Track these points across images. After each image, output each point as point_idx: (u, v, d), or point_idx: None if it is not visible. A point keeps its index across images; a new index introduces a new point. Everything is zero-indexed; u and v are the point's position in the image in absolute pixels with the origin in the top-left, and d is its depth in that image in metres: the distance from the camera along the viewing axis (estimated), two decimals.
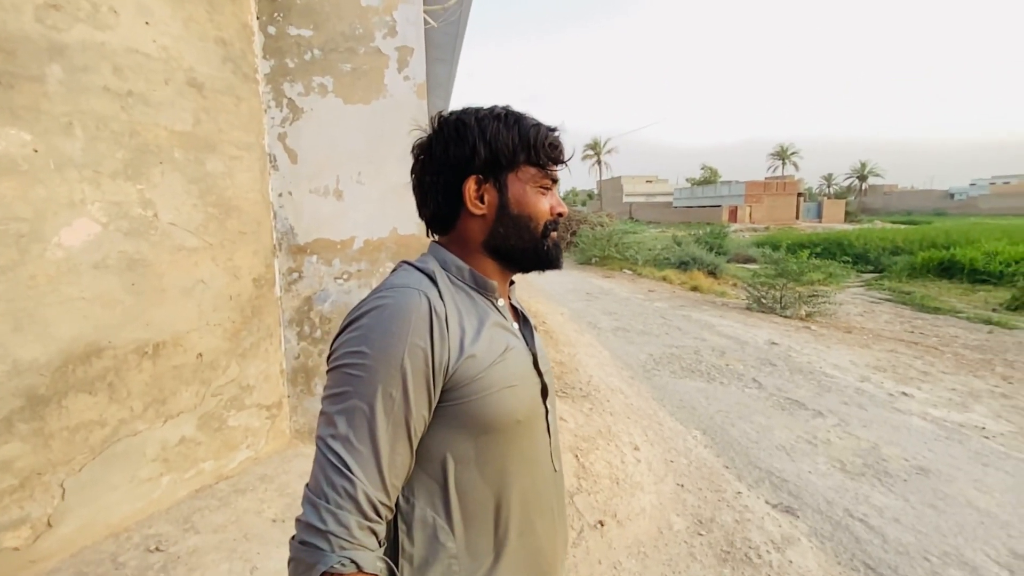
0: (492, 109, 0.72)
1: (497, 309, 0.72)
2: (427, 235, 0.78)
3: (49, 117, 1.73)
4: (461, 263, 0.71)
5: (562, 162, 0.74)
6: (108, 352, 1.92)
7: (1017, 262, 10.70)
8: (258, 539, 1.98)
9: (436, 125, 0.72)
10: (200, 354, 2.25)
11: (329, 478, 0.56)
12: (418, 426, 0.61)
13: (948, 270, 11.56)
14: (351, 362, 0.59)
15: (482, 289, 0.72)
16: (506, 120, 0.70)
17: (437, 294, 0.64)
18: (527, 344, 0.75)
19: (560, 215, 0.74)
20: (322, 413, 0.60)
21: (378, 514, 0.57)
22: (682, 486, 2.82)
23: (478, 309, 0.69)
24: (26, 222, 1.68)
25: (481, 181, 0.70)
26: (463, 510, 0.65)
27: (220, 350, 2.34)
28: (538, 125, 0.71)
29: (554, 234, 0.74)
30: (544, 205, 0.72)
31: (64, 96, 1.77)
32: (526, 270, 0.76)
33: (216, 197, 2.32)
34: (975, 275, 10.89)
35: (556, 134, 0.73)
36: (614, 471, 2.83)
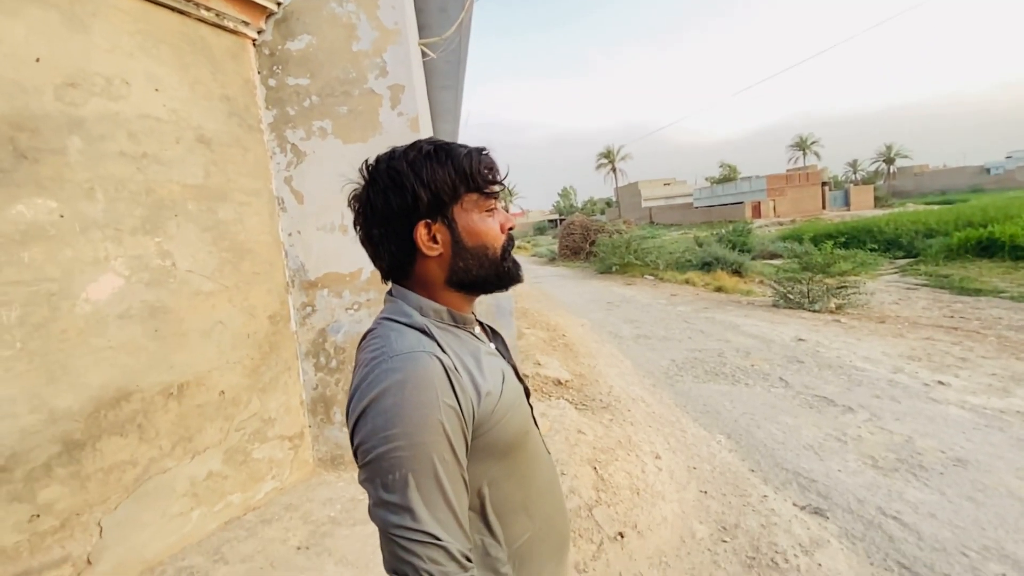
0: (420, 148, 0.71)
1: (476, 337, 0.77)
2: (383, 282, 0.79)
3: (72, 185, 1.90)
4: (437, 305, 0.73)
5: (499, 182, 0.75)
6: (136, 396, 2.05)
7: None
8: (283, 566, 2.06)
9: (368, 175, 0.72)
10: (222, 391, 2.37)
11: (426, 555, 0.58)
12: (465, 475, 0.65)
13: (987, 249, 11.03)
14: (395, 445, 0.59)
15: (461, 324, 0.75)
16: (438, 157, 0.70)
17: (439, 348, 0.66)
18: (504, 358, 0.81)
19: (511, 229, 0.77)
20: (382, 504, 0.59)
21: (470, 561, 0.62)
22: (705, 493, 2.77)
23: (467, 345, 0.72)
24: (55, 282, 1.84)
25: (430, 224, 0.70)
26: (501, 520, 0.71)
27: (241, 386, 2.46)
28: (469, 153, 0.72)
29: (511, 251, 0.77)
30: (494, 227, 0.74)
31: (84, 164, 1.94)
32: (490, 292, 0.78)
33: (229, 242, 2.47)
34: (1017, 252, 10.36)
35: (487, 154, 0.73)
36: (634, 481, 2.81)
